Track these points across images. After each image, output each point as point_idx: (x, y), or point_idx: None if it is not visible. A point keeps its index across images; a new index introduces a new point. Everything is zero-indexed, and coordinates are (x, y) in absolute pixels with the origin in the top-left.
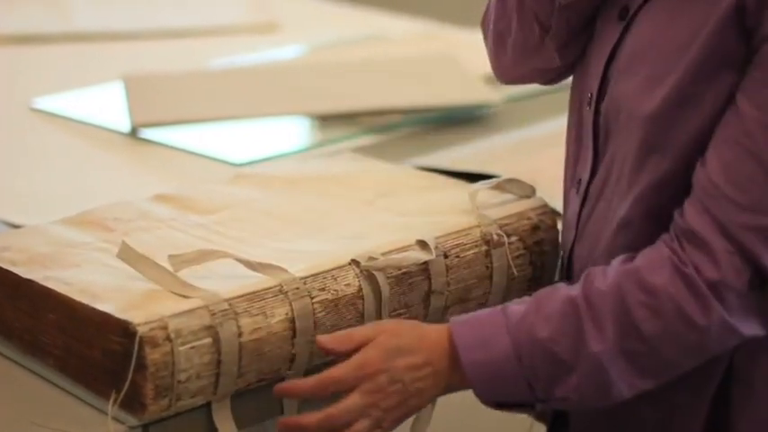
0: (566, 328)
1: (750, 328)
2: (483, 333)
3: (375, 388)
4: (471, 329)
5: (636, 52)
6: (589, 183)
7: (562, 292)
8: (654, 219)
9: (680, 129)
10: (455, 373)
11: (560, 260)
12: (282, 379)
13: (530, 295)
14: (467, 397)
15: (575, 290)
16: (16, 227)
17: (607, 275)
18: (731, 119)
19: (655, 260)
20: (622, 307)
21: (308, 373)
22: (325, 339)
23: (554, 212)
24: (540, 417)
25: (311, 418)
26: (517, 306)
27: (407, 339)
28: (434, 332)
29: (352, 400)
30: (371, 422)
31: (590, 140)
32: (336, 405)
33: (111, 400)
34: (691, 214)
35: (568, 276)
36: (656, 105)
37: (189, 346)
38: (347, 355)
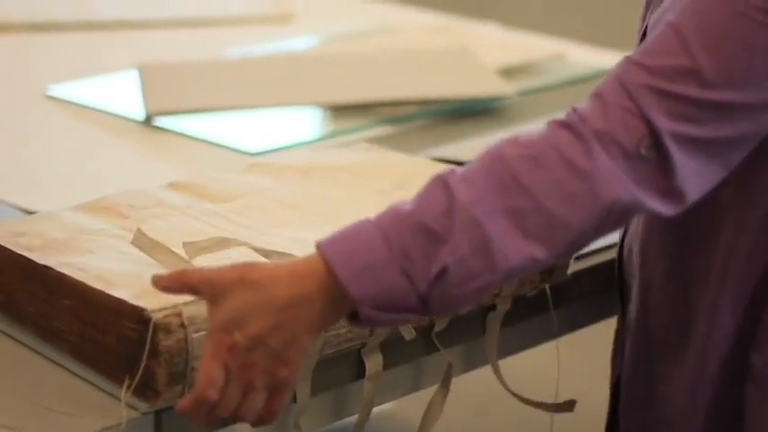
0: (433, 198)
1: (648, 199)
2: (342, 231)
3: (241, 367)
4: (338, 236)
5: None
6: None
7: None
8: None
9: None
10: (329, 292)
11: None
12: None
13: (541, 284)
14: (486, 397)
15: None
16: (31, 213)
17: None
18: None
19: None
20: (499, 163)
21: (320, 362)
22: (155, 278)
23: None
24: (561, 408)
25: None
26: None
27: (252, 300)
28: (293, 271)
29: (230, 390)
30: (260, 393)
31: None
32: (219, 403)
33: (125, 387)
34: (600, 84)
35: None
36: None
37: (203, 333)
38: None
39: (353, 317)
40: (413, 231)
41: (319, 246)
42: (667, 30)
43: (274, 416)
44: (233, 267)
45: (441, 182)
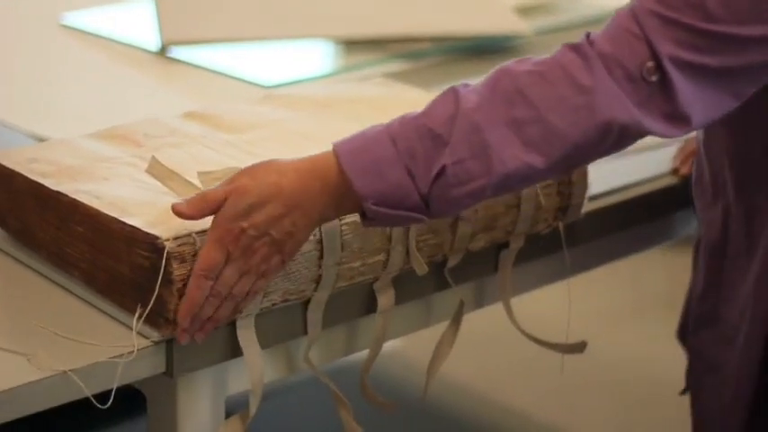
0: (441, 106)
1: (650, 121)
2: (361, 132)
3: (243, 250)
4: (351, 137)
5: None
6: None
7: None
8: None
9: None
10: (335, 188)
11: None
12: (308, 300)
13: (554, 222)
14: (496, 336)
15: None
16: (44, 140)
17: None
18: None
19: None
20: (506, 76)
21: (332, 295)
22: (179, 205)
23: None
24: (571, 349)
25: (191, 300)
26: None
27: (258, 192)
28: (288, 171)
29: (228, 272)
30: (251, 277)
31: None
32: (217, 282)
33: (137, 315)
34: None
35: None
36: None
37: None
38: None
39: (362, 216)
40: (419, 134)
41: (334, 143)
42: None
43: (252, 298)
44: (242, 170)
45: (451, 91)
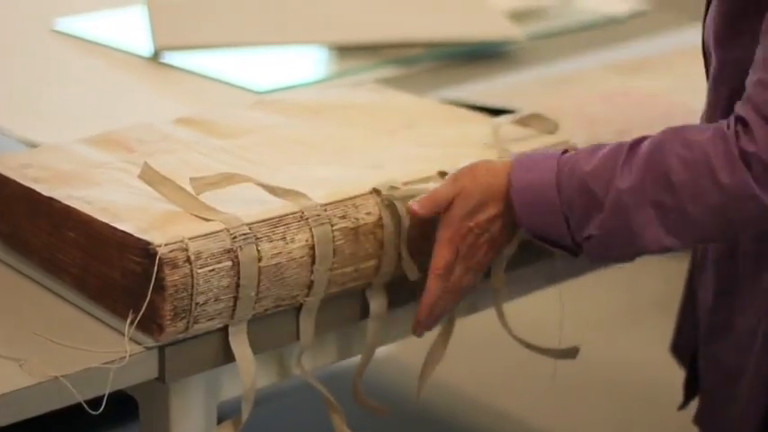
0: (605, 166)
1: None
2: (536, 161)
3: (469, 247)
4: (528, 159)
5: None
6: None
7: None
8: None
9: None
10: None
11: None
12: (300, 306)
13: None
14: (488, 341)
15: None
16: (37, 146)
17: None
18: None
19: (702, 127)
20: (659, 154)
21: (324, 301)
22: (414, 205)
23: (576, 148)
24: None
25: (431, 296)
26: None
27: (481, 195)
28: (500, 173)
29: (459, 269)
30: (475, 273)
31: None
32: (450, 280)
33: (129, 321)
34: (738, 106)
35: None
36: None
37: (208, 268)
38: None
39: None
40: (581, 190)
41: (512, 167)
42: None
43: (472, 291)
44: (463, 169)
45: (617, 153)
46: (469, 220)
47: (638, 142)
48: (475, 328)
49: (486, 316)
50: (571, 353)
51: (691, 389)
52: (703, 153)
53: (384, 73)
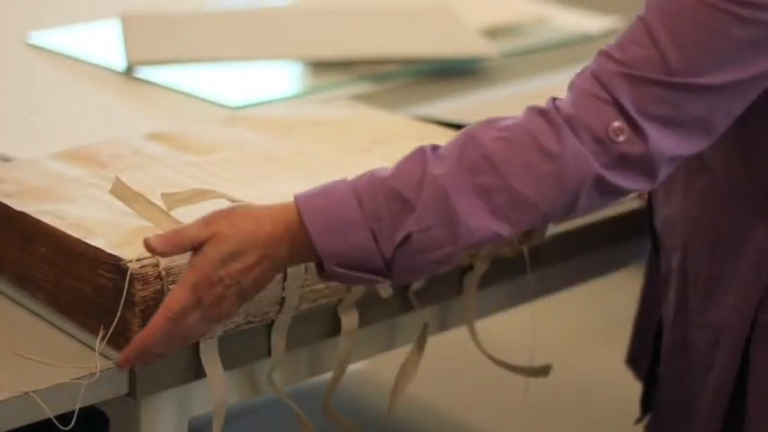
0: (408, 167)
1: (619, 179)
2: (323, 186)
3: (215, 299)
4: (315, 191)
5: None
6: None
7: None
8: None
9: None
10: (298, 242)
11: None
12: (271, 322)
13: (519, 246)
14: (461, 358)
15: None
16: (9, 160)
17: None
18: None
19: (511, 116)
20: (471, 142)
21: (296, 317)
22: (152, 240)
23: None
24: (536, 373)
25: (152, 335)
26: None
27: (239, 242)
28: (263, 220)
29: (193, 318)
30: (212, 323)
31: None
32: (180, 326)
33: (99, 336)
34: (575, 76)
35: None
36: None
37: None
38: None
39: (320, 269)
40: (387, 197)
41: (296, 198)
42: (637, 23)
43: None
44: (217, 213)
45: (419, 153)
46: (222, 268)
47: (441, 146)
48: (447, 344)
49: (459, 333)
50: (543, 371)
51: (647, 402)
52: (523, 130)
53: (358, 89)
